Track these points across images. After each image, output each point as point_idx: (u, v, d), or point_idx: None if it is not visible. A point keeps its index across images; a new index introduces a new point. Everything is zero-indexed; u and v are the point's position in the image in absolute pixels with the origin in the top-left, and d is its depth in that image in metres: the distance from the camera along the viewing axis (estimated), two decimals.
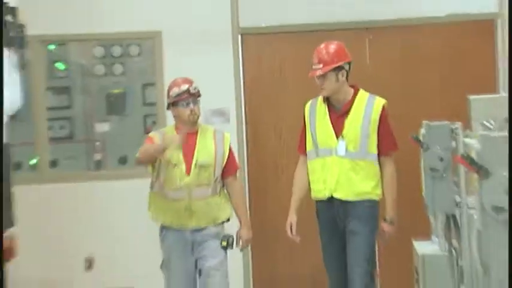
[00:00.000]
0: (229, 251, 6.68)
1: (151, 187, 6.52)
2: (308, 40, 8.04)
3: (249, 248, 7.48)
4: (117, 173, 8.85)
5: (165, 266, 6.47)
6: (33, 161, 9.24)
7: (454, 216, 5.88)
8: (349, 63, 6.36)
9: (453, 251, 6.07)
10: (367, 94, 6.38)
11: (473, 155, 4.29)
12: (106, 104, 9.43)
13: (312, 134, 6.38)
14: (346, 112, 6.27)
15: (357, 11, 9.25)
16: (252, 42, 9.16)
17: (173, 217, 6.36)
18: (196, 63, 8.95)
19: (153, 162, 6.41)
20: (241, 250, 6.79)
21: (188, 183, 6.28)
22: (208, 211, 6.38)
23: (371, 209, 6.31)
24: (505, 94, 7.98)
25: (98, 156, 9.56)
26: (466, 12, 9.26)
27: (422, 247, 6.78)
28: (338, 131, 6.24)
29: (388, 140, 6.31)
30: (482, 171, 3.98)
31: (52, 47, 9.45)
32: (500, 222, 3.91)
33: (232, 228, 6.69)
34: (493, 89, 8.89)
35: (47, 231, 8.79)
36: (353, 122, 6.23)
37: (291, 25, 8.42)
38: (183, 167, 6.31)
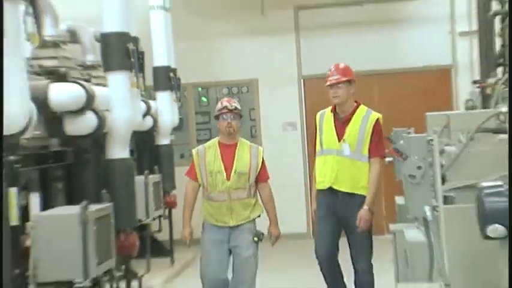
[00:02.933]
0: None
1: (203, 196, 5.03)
2: None
3: None
4: None
5: (202, 253, 4.96)
6: (189, 153, 9.36)
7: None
8: (354, 82, 5.10)
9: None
10: (366, 108, 5.07)
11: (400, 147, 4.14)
12: None
13: (320, 137, 5.08)
14: (347, 121, 5.00)
15: (376, 63, 9.20)
16: (310, 83, 9.26)
17: (218, 216, 4.87)
18: (277, 96, 9.39)
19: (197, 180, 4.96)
20: (273, 245, 5.07)
21: (228, 187, 4.84)
22: (244, 210, 4.89)
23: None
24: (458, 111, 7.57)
25: None
26: (432, 63, 9.19)
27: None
28: (340, 135, 4.98)
29: (376, 147, 4.98)
30: (403, 155, 3.91)
31: (199, 89, 9.84)
32: (414, 185, 3.70)
33: (262, 223, 5.10)
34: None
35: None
36: (352, 129, 4.98)
37: None
38: (224, 174, 4.83)
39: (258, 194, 5.06)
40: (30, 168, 4.68)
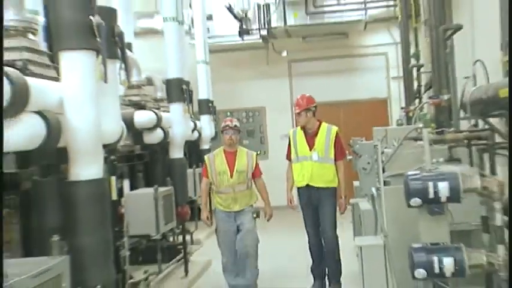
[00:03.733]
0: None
1: (213, 190, 4.51)
2: (324, 109, 6.61)
3: None
4: None
5: (218, 231, 4.46)
6: None
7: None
8: (315, 107, 4.54)
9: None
10: (326, 124, 4.59)
11: (356, 149, 4.27)
12: (246, 133, 9.48)
13: (294, 148, 4.57)
14: (315, 135, 4.51)
15: (340, 96, 9.19)
16: None
17: (225, 204, 4.40)
18: (278, 118, 9.29)
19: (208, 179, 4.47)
20: (268, 221, 4.49)
21: (232, 183, 4.37)
22: (245, 199, 4.42)
23: (333, 192, 4.50)
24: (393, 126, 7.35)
25: None
26: (376, 96, 9.17)
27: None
28: (311, 145, 4.51)
29: (340, 151, 4.52)
30: (358, 155, 3.97)
31: (228, 113, 9.41)
32: (365, 174, 3.65)
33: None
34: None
35: None
36: (320, 140, 4.50)
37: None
38: (228, 173, 4.35)
39: (253, 186, 4.56)
40: (123, 164, 4.76)
